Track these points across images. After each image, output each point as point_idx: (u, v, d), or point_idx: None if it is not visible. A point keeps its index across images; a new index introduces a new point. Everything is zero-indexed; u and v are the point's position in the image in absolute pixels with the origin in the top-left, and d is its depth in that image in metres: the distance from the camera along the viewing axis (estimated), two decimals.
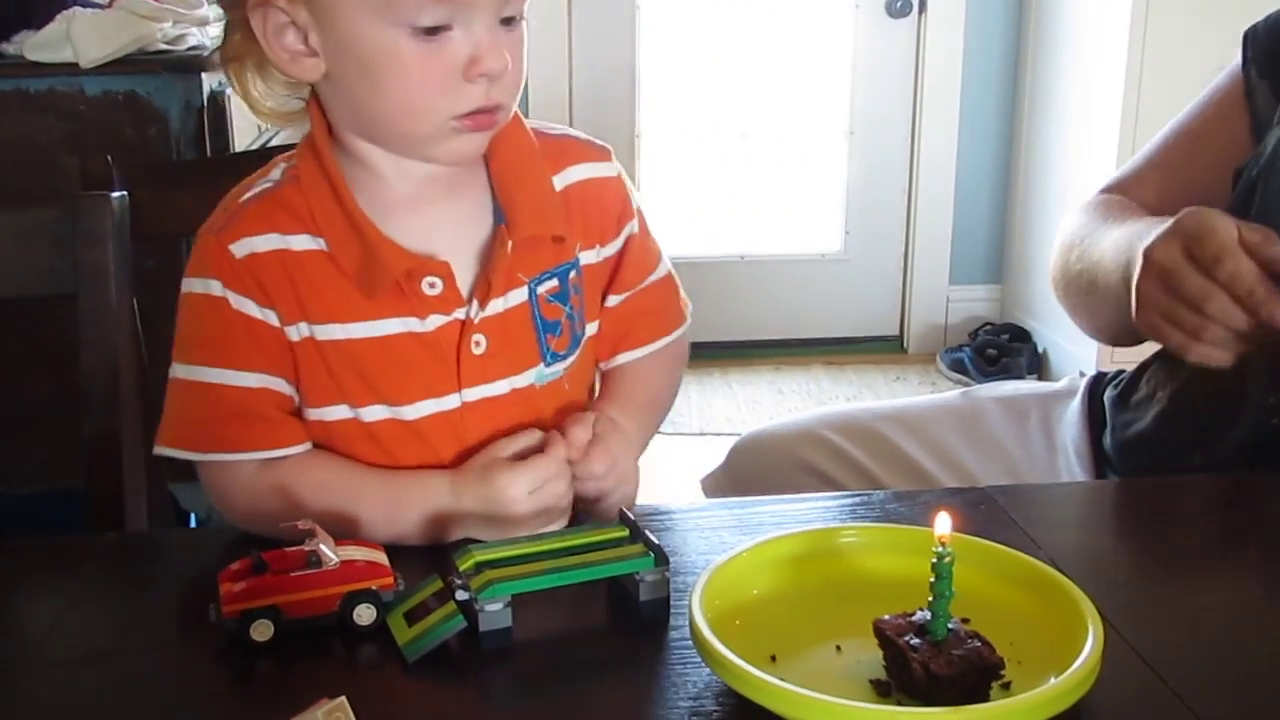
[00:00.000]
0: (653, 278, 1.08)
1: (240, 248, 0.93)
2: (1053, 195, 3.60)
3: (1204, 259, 1.02)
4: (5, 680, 0.78)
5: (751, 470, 1.44)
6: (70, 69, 1.98)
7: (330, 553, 0.79)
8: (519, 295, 0.97)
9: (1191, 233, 1.04)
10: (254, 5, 0.90)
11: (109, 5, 2.12)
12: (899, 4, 3.72)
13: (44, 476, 2.14)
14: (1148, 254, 1.08)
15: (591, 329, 1.04)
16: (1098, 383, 1.46)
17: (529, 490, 0.90)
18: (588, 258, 1.02)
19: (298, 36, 0.90)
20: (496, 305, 0.95)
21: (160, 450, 0.97)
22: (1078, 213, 1.38)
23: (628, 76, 3.75)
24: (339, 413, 0.95)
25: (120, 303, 1.16)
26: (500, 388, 0.97)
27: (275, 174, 0.97)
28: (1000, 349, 3.64)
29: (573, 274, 1.00)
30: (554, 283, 0.98)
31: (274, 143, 2.32)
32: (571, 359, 1.01)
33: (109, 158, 1.33)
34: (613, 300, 1.05)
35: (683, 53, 3.79)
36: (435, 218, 0.96)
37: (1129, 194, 1.41)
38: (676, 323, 1.10)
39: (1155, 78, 3.15)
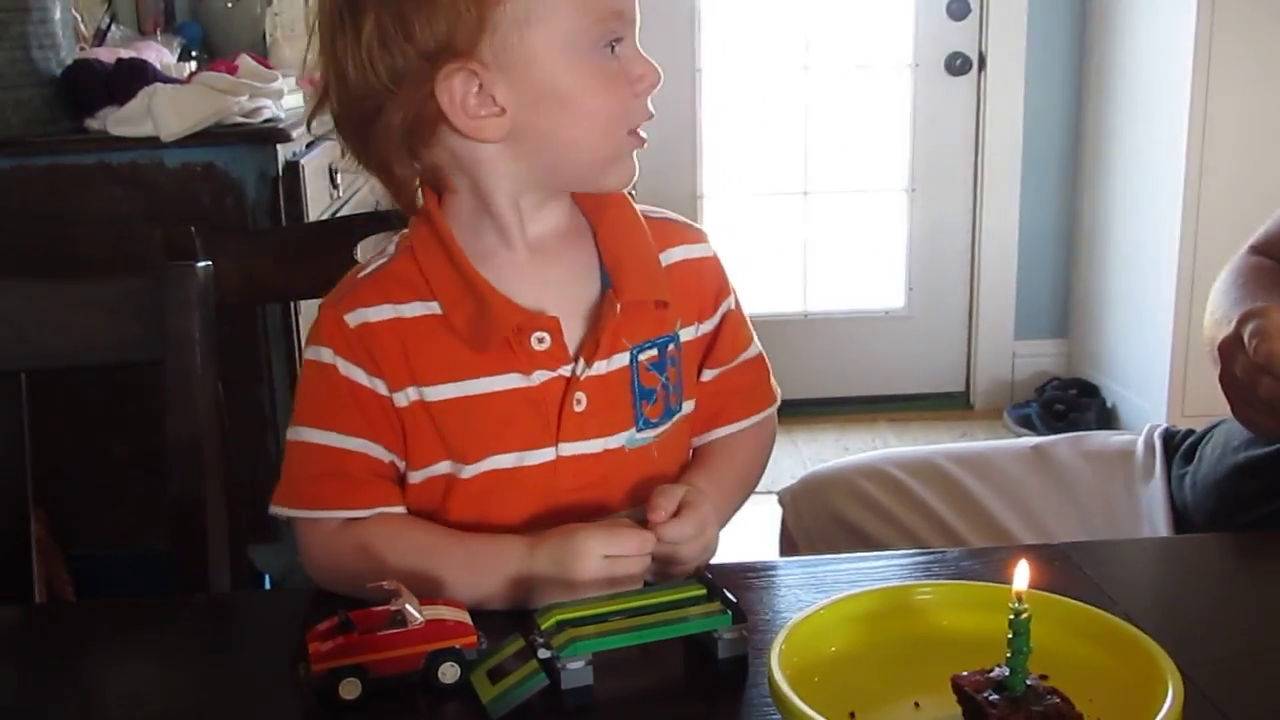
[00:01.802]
0: (745, 355, 1.11)
1: (354, 318, 0.97)
2: (1117, 247, 3.59)
3: (1249, 345, 1.08)
4: None
5: (814, 505, 1.48)
6: (151, 142, 2.04)
7: (415, 612, 0.80)
8: (621, 359, 1.00)
9: (1244, 321, 1.10)
10: (443, 76, 0.92)
11: (188, 80, 2.19)
12: (958, 62, 3.74)
13: (122, 539, 2.19)
14: (1219, 346, 1.14)
15: (688, 407, 1.06)
16: (1170, 438, 1.46)
17: (603, 555, 0.91)
18: (687, 334, 1.05)
19: (484, 99, 0.93)
20: (600, 366, 0.99)
21: (272, 510, 1.00)
22: (1223, 283, 1.40)
23: (689, 138, 3.79)
24: (440, 469, 0.98)
25: (205, 369, 1.20)
26: (594, 445, 0.99)
27: (390, 249, 1.02)
28: (1068, 404, 3.61)
29: (671, 347, 1.03)
30: (654, 352, 1.02)
31: (343, 211, 2.38)
32: (663, 429, 1.03)
33: (192, 228, 1.37)
34: (707, 375, 1.08)
35: (743, 114, 3.83)
36: (545, 280, 0.99)
37: (1274, 253, 1.41)
38: (767, 401, 1.12)
39: (1218, 130, 3.14)
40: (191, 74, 2.31)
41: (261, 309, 2.06)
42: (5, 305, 1.22)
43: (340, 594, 0.94)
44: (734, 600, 0.83)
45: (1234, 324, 1.12)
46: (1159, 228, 3.30)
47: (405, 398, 0.97)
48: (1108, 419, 3.61)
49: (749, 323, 1.13)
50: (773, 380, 1.14)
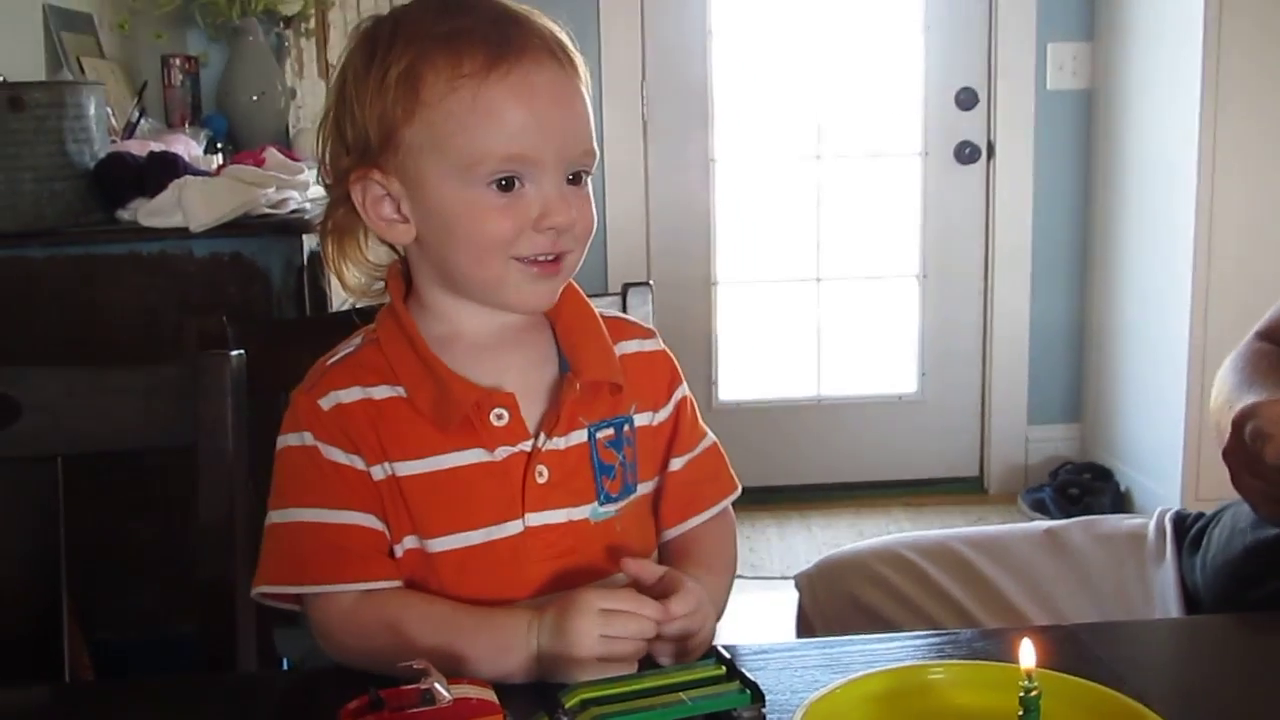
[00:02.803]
0: (705, 444, 1.16)
1: (327, 401, 1.03)
2: (1128, 332, 3.62)
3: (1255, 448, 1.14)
4: None
5: (830, 589, 1.50)
6: (181, 233, 2.10)
7: (444, 690, 0.83)
8: (579, 436, 1.05)
9: (1240, 424, 1.16)
10: (355, 180, 1.03)
11: (217, 173, 2.26)
12: (967, 150, 3.81)
13: (144, 624, 2.20)
14: (1232, 423, 1.19)
15: (644, 488, 1.11)
16: (1181, 521, 1.48)
17: (599, 636, 0.93)
18: (641, 420, 1.10)
19: (392, 206, 1.03)
20: (559, 442, 1.04)
21: (258, 589, 1.04)
22: (1228, 368, 1.43)
23: (704, 226, 3.86)
24: (409, 543, 1.02)
25: (235, 454, 1.23)
26: (559, 516, 1.04)
27: (356, 341, 1.08)
28: (1082, 488, 3.63)
29: (626, 428, 1.09)
30: (610, 431, 1.07)
31: (362, 303, 2.42)
32: (623, 503, 1.07)
33: (224, 318, 1.41)
34: (676, 464, 1.13)
35: (757, 202, 3.90)
36: (504, 364, 1.06)
37: (1278, 337, 1.45)
38: (731, 488, 1.17)
39: (1225, 216, 3.19)
40: (220, 166, 2.38)
41: (285, 396, 2.10)
42: (44, 392, 1.25)
43: (358, 669, 0.97)
44: (753, 680, 0.85)
45: (1231, 427, 1.16)
46: (1168, 313, 3.34)
47: (381, 471, 1.02)
48: (1122, 503, 3.62)
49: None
50: (730, 469, 1.18)
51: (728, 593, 1.13)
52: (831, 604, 1.50)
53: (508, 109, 0.97)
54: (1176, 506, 1.53)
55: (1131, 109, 3.54)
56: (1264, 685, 0.98)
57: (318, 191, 2.37)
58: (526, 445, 1.03)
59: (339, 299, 2.22)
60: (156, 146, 2.32)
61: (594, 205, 1.04)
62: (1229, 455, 1.18)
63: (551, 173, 1.00)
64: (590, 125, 1.03)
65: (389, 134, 1.00)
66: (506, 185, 0.99)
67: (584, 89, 1.03)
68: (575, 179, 1.02)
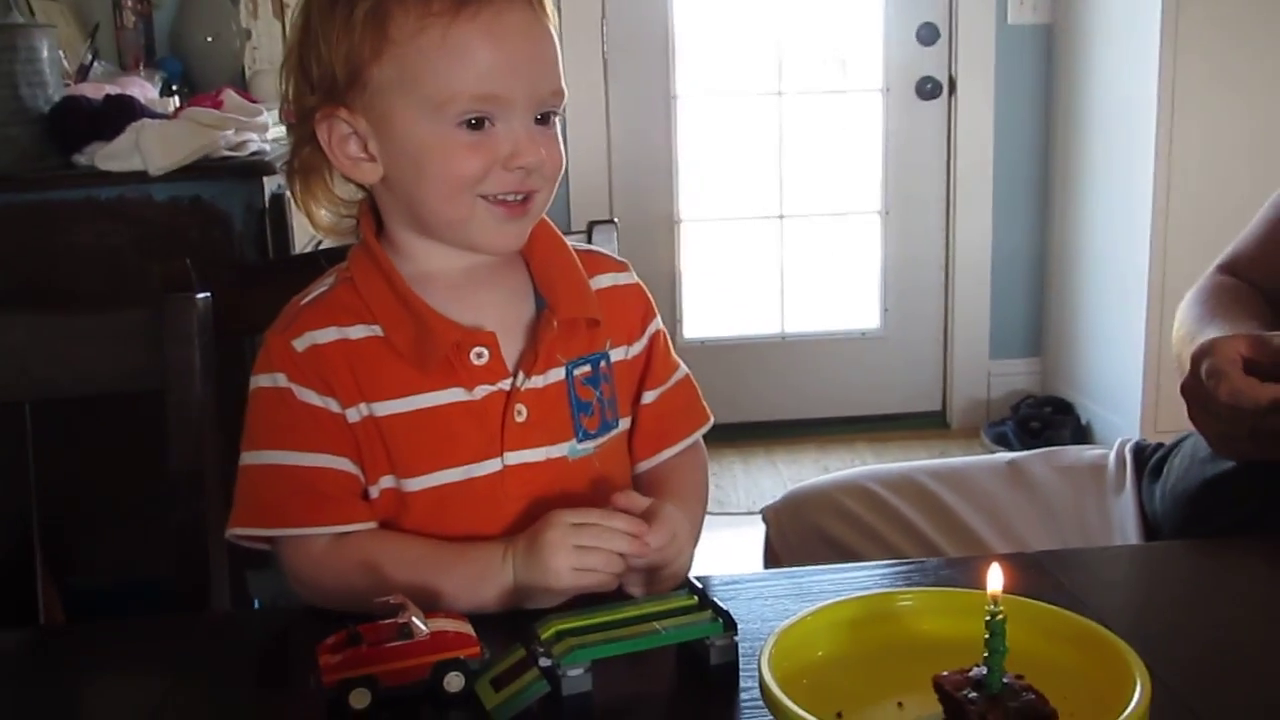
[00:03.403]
0: (678, 376, 1.17)
1: (302, 342, 1.02)
2: (1089, 267, 3.65)
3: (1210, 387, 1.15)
4: None
5: (796, 521, 1.53)
6: (139, 177, 2.08)
7: (421, 624, 0.84)
8: (557, 374, 1.06)
9: (1197, 361, 1.18)
10: (320, 119, 1.02)
11: (175, 116, 2.23)
12: (929, 86, 3.81)
13: (113, 570, 2.20)
14: (1191, 359, 1.20)
15: (623, 424, 1.12)
16: (1140, 451, 1.50)
17: (574, 547, 0.95)
18: (617, 354, 1.11)
19: (359, 144, 1.03)
20: (537, 381, 1.04)
21: (233, 531, 1.04)
22: (1190, 302, 1.45)
23: (666, 164, 3.85)
24: (385, 483, 1.03)
25: (205, 397, 1.23)
26: (538, 454, 1.05)
27: (329, 280, 1.08)
28: (1043, 421, 3.67)
29: (603, 364, 1.09)
30: (587, 368, 1.08)
31: (327, 242, 2.41)
32: (601, 440, 1.09)
33: (187, 261, 1.40)
34: (649, 397, 1.14)
35: (719, 139, 3.89)
36: (481, 301, 1.06)
37: (1240, 273, 1.46)
38: (703, 419, 1.18)
39: (1184, 150, 3.21)
40: (177, 109, 2.35)
41: (250, 340, 2.10)
42: (9, 337, 1.25)
43: (330, 609, 0.97)
44: (725, 609, 0.87)
45: (1189, 364, 1.18)
46: (1129, 246, 3.37)
47: (357, 413, 1.02)
48: (1082, 436, 3.67)
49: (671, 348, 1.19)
50: (703, 400, 1.19)
51: (701, 522, 1.14)
52: (798, 537, 1.52)
53: (478, 48, 0.97)
54: (1137, 438, 1.56)
55: (1092, 44, 3.55)
56: (1220, 608, 1.01)
57: (277, 133, 2.34)
58: (505, 384, 1.04)
59: (301, 242, 2.21)
60: (112, 90, 2.29)
61: (561, 143, 1.04)
62: (1186, 390, 1.20)
63: (521, 112, 1.00)
64: (559, 65, 1.03)
65: (356, 72, 0.99)
66: (476, 124, 0.99)
67: (552, 28, 1.03)
68: (544, 119, 1.02)
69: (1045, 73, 3.79)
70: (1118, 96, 3.43)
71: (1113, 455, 1.52)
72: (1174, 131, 3.20)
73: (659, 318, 1.17)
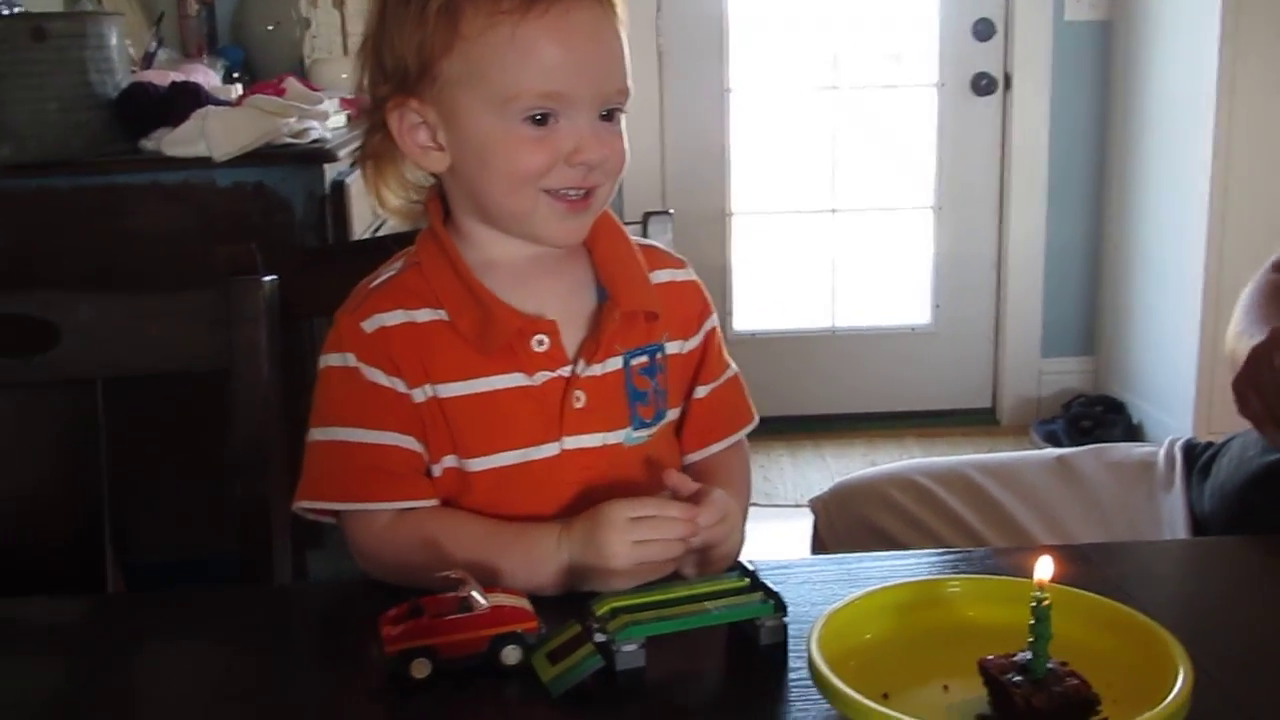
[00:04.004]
0: (729, 373, 1.19)
1: (370, 324, 1.05)
2: (1144, 265, 3.63)
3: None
4: (191, 716, 0.86)
5: (844, 512, 1.54)
6: (203, 163, 2.12)
7: (481, 599, 0.87)
8: (615, 363, 1.08)
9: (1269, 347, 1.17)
10: (392, 108, 1.05)
11: (238, 103, 2.27)
12: (984, 82, 3.80)
13: (171, 547, 2.25)
14: (1250, 350, 1.19)
15: (672, 414, 1.14)
16: (1191, 449, 1.51)
17: (633, 541, 0.97)
18: (672, 348, 1.13)
19: (428, 134, 1.05)
20: (595, 369, 1.07)
21: (299, 505, 1.07)
22: (1245, 298, 1.45)
23: (719, 157, 3.86)
24: (448, 462, 1.06)
25: (269, 377, 1.27)
26: (594, 440, 1.07)
27: (397, 264, 1.11)
28: (1095, 420, 3.65)
29: (659, 355, 1.11)
30: (644, 359, 1.10)
31: (385, 229, 2.44)
32: (655, 428, 1.11)
33: (253, 245, 1.44)
34: (701, 391, 1.16)
35: (772, 133, 3.90)
36: (543, 290, 1.08)
37: None
38: (750, 418, 1.20)
39: (1242, 148, 3.18)
40: (240, 96, 2.39)
41: (310, 322, 2.14)
42: (81, 317, 1.29)
43: (393, 585, 1.00)
44: (775, 591, 0.89)
45: (1268, 335, 1.17)
46: (1184, 245, 3.35)
47: (423, 394, 1.05)
48: (1134, 435, 3.64)
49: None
50: (750, 401, 1.21)
51: (746, 514, 1.16)
52: (845, 527, 1.54)
53: (545, 46, 0.99)
54: (1187, 436, 1.56)
55: (1150, 41, 3.53)
56: (1267, 603, 1.01)
57: (338, 121, 2.38)
58: (565, 371, 1.06)
59: (360, 228, 2.25)
60: (176, 77, 2.34)
61: (625, 140, 1.06)
62: (1238, 385, 1.20)
63: (586, 109, 1.02)
64: (625, 63, 1.04)
65: (427, 65, 1.02)
66: (541, 120, 1.01)
67: (620, 26, 1.04)
68: (609, 115, 1.04)
69: (1102, 69, 3.77)
70: (1175, 94, 3.40)
71: (1162, 453, 1.52)
72: (1232, 130, 3.17)
73: (715, 315, 1.19)
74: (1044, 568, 0.80)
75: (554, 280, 1.09)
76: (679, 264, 1.17)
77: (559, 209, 1.04)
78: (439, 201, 1.10)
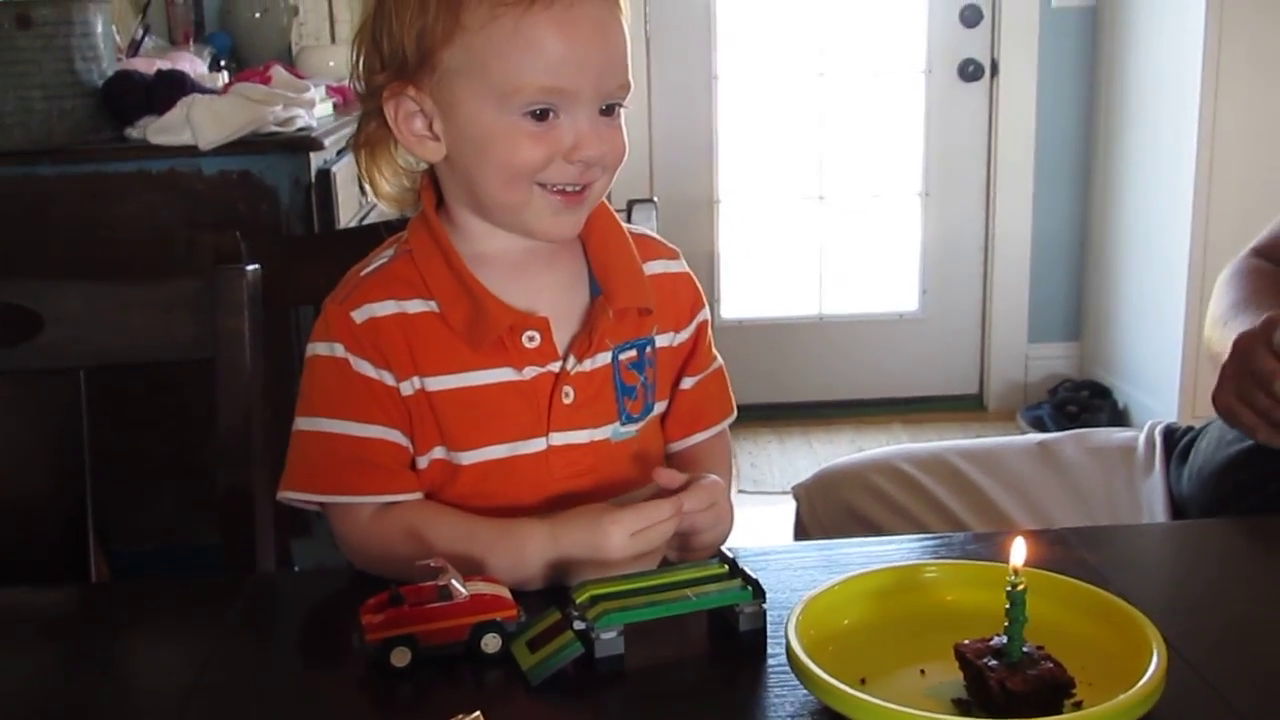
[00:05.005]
0: (714, 365, 1.19)
1: (361, 314, 1.05)
2: (1129, 251, 3.64)
3: (1273, 347, 1.12)
4: (174, 703, 0.87)
5: (827, 499, 1.55)
6: (189, 151, 2.12)
7: (460, 587, 0.87)
8: (604, 358, 1.08)
9: (1272, 324, 1.15)
10: (388, 96, 1.04)
11: (224, 91, 2.27)
12: (971, 68, 3.80)
13: (155, 535, 2.26)
14: (1236, 340, 1.18)
15: (659, 407, 1.14)
16: (1171, 434, 1.52)
17: (630, 534, 0.97)
18: (662, 341, 1.13)
19: (424, 123, 1.04)
20: (585, 365, 1.06)
21: (284, 495, 1.07)
22: (1224, 285, 1.45)
23: (706, 144, 3.86)
24: (436, 454, 1.06)
25: (254, 366, 1.27)
26: (582, 436, 1.07)
27: (389, 252, 1.10)
28: (1081, 405, 3.67)
29: (649, 349, 1.11)
30: (633, 353, 1.10)
31: (371, 217, 2.45)
32: (642, 423, 1.11)
33: (238, 233, 1.44)
34: (687, 382, 1.16)
35: (759, 120, 3.90)
36: (536, 284, 1.07)
37: (1275, 256, 1.47)
38: (731, 410, 1.21)
39: (1227, 134, 3.20)
40: (227, 84, 2.39)
41: (294, 311, 2.14)
42: (65, 305, 1.29)
43: (377, 576, 1.01)
44: (754, 578, 0.89)
45: (1262, 323, 1.17)
46: (1170, 231, 3.36)
47: (410, 386, 1.05)
48: (1120, 420, 3.66)
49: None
50: (732, 393, 1.21)
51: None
52: (828, 514, 1.55)
53: (548, 41, 0.98)
54: (1166, 421, 1.57)
55: (1137, 28, 3.53)
56: (1242, 585, 1.02)
57: (324, 110, 2.38)
58: (555, 366, 1.06)
59: (346, 217, 2.25)
60: (163, 64, 2.34)
61: (624, 134, 1.05)
62: (1221, 395, 1.20)
63: (586, 105, 1.01)
64: (627, 57, 1.03)
65: (426, 54, 1.00)
66: (540, 115, 1.00)
67: (624, 19, 1.03)
68: (608, 110, 1.03)
69: (1089, 56, 3.78)
70: (1161, 81, 3.41)
71: (1142, 437, 1.53)
72: (1217, 116, 3.18)
73: (707, 308, 1.19)
74: (1019, 552, 0.81)
75: (547, 274, 1.08)
76: (672, 254, 1.17)
77: (554, 203, 1.03)
78: (432, 189, 1.09)
